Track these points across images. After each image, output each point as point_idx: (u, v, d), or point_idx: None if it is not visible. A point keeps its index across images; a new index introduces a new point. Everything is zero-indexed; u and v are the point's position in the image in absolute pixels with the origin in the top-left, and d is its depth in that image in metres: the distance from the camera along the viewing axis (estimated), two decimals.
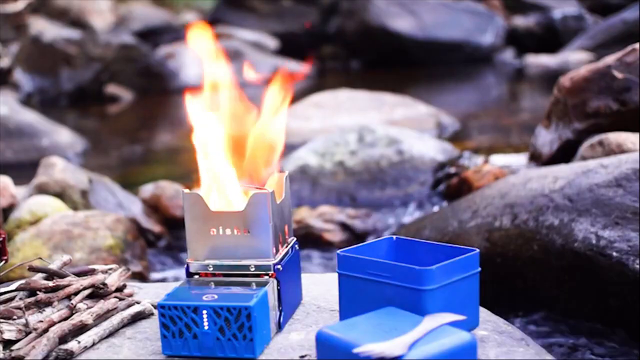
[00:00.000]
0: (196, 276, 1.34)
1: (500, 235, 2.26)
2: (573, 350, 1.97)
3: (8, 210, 2.83)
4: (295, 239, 1.44)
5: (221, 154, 1.39)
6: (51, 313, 1.30)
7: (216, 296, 1.24)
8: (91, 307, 1.34)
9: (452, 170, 3.35)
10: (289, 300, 1.36)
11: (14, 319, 1.28)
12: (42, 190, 2.94)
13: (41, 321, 1.27)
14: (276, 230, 1.32)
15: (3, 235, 1.46)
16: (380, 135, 3.59)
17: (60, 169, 3.00)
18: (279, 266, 1.31)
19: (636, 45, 2.68)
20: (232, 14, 10.54)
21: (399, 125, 4.30)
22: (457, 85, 8.17)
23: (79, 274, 1.45)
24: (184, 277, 1.35)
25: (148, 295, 1.54)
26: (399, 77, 8.35)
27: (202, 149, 1.38)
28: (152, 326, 1.37)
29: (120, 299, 1.42)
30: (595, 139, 2.59)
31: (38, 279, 1.39)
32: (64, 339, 1.26)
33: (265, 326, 1.25)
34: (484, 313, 1.38)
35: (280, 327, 1.32)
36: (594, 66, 2.76)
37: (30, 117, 5.39)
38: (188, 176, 3.52)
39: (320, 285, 1.55)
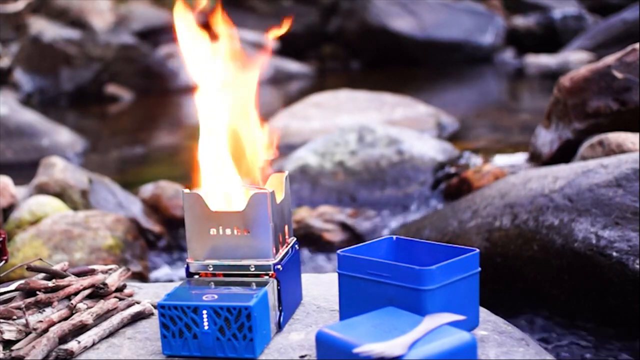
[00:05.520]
0: (196, 276, 1.34)
1: (500, 235, 2.26)
2: (573, 350, 1.97)
3: (8, 210, 2.83)
4: (295, 239, 1.44)
5: (224, 153, 1.39)
6: (51, 313, 1.30)
7: (216, 296, 1.24)
8: (91, 307, 1.34)
9: (452, 170, 3.35)
10: (289, 300, 1.36)
11: (14, 319, 1.28)
12: (42, 190, 2.93)
13: (41, 321, 1.27)
14: (276, 230, 1.32)
15: (3, 235, 1.46)
16: (380, 135, 3.59)
17: (60, 169, 3.00)
18: (279, 266, 1.31)
19: (636, 45, 2.68)
20: (232, 14, 10.49)
21: (399, 125, 4.29)
22: (457, 85, 8.16)
23: (79, 274, 1.45)
24: (184, 277, 1.35)
25: (148, 295, 1.54)
26: (399, 77, 8.35)
27: (207, 148, 1.39)
28: (152, 326, 1.37)
29: (120, 299, 1.42)
30: (595, 139, 2.59)
31: (38, 279, 1.39)
32: (64, 339, 1.26)
33: (265, 326, 1.25)
34: (484, 313, 1.38)
35: (280, 327, 1.32)
36: (594, 66, 2.76)
37: (30, 117, 5.39)
38: (188, 176, 3.51)
39: (320, 285, 1.55)
